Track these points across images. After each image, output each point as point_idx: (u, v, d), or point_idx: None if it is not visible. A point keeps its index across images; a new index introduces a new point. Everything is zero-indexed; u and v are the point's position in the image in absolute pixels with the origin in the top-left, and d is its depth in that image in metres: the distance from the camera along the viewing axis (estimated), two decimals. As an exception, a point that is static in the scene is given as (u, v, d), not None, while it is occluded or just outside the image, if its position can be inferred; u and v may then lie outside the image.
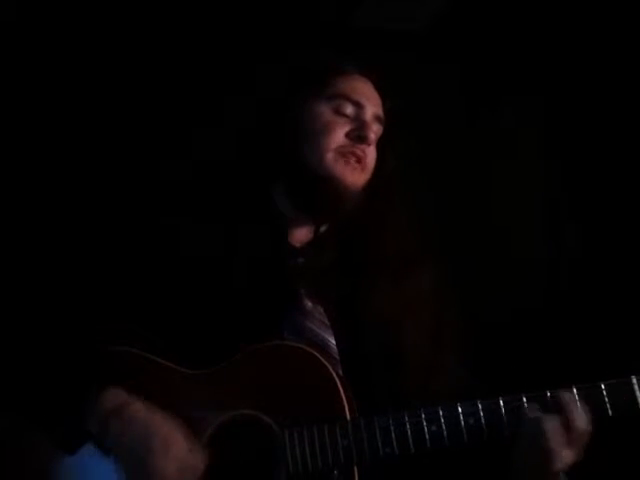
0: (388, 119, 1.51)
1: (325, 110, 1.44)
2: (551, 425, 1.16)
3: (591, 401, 1.20)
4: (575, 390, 1.21)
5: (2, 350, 1.28)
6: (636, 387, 1.20)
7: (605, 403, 1.19)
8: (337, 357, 1.33)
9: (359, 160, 1.42)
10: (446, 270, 1.53)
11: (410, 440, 1.18)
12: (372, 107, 1.47)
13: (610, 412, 1.19)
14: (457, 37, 2.36)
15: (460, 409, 1.20)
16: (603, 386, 1.20)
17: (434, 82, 2.33)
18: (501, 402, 1.21)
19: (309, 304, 1.38)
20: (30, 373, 1.27)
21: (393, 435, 1.18)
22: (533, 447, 1.17)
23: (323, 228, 1.49)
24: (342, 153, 1.41)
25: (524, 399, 1.21)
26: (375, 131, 1.46)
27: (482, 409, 1.20)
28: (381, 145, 1.50)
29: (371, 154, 1.46)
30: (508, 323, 2.19)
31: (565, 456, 1.17)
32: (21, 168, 2.07)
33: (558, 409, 1.18)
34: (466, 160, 2.32)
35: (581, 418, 1.17)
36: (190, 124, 2.18)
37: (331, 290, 1.41)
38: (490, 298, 2.20)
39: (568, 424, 1.17)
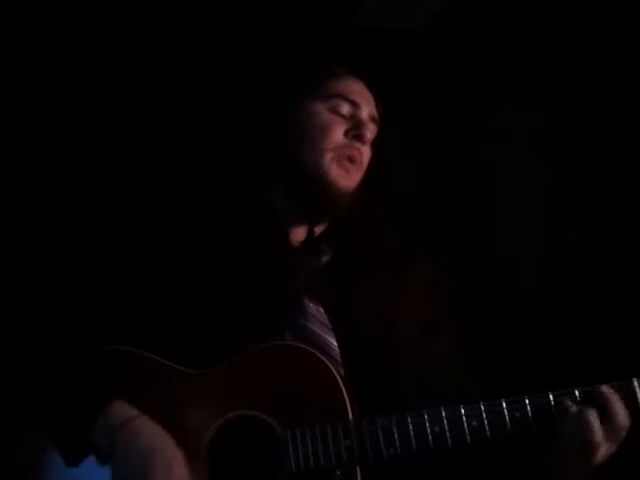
0: (381, 119, 1.53)
1: (321, 109, 1.45)
2: (594, 419, 1.17)
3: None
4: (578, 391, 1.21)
5: (8, 361, 1.28)
6: (637, 390, 1.21)
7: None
8: (338, 359, 1.34)
9: (354, 160, 1.43)
10: (446, 269, 1.53)
11: (413, 441, 1.19)
12: (367, 107, 1.48)
13: None
14: (458, 37, 2.36)
15: (463, 411, 1.20)
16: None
17: (435, 82, 2.33)
18: (504, 404, 1.21)
19: (310, 305, 1.38)
20: (32, 381, 1.26)
21: (396, 436, 1.19)
22: (576, 441, 1.18)
23: (319, 228, 1.49)
24: (339, 155, 1.42)
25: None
26: (371, 130, 1.48)
27: (485, 411, 1.20)
28: (375, 143, 1.51)
29: (366, 153, 1.48)
30: (508, 322, 2.19)
31: (605, 449, 1.18)
32: (21, 168, 2.06)
33: (598, 403, 1.19)
34: (467, 159, 2.32)
35: (621, 412, 1.18)
36: (189, 124, 2.18)
37: (331, 291, 1.41)
38: (490, 297, 2.20)
39: (608, 418, 1.18)
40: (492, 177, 2.34)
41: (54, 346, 1.28)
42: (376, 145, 1.51)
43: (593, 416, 1.17)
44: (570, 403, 1.20)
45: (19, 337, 1.29)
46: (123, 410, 1.21)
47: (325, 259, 1.45)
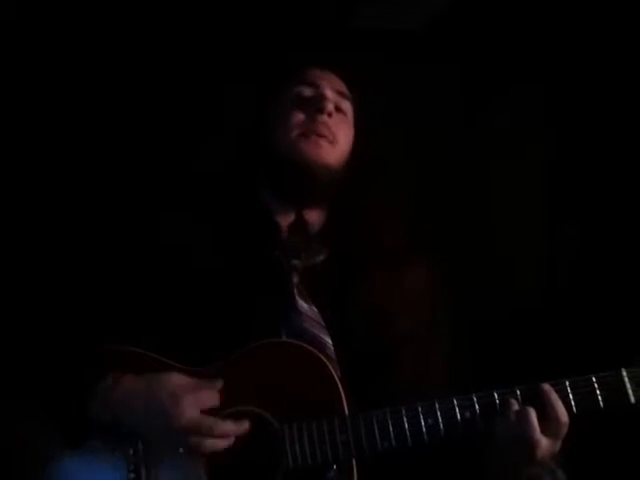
0: (361, 105, 1.54)
1: (285, 99, 1.48)
2: (532, 416, 1.19)
3: (582, 393, 1.22)
4: (567, 383, 1.23)
5: (7, 352, 1.29)
6: (626, 379, 1.22)
7: (597, 395, 1.21)
8: (334, 357, 1.34)
9: (322, 134, 1.43)
10: (443, 267, 1.53)
11: (407, 434, 1.20)
12: (329, 83, 1.49)
13: (602, 404, 1.21)
14: (456, 37, 2.36)
15: (456, 402, 1.21)
16: (594, 379, 1.22)
17: (433, 82, 2.33)
18: (495, 395, 1.22)
19: (304, 305, 1.38)
20: (32, 372, 1.28)
21: (391, 429, 1.20)
22: (515, 438, 1.19)
23: (310, 216, 1.48)
24: (306, 131, 1.43)
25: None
26: (337, 103, 1.48)
27: (477, 402, 1.22)
28: (361, 128, 1.52)
29: (339, 128, 1.47)
30: (505, 321, 2.20)
31: (546, 446, 1.19)
32: (20, 167, 2.07)
33: (536, 400, 1.21)
34: (465, 160, 2.32)
35: (560, 409, 1.20)
36: (184, 124, 2.18)
37: (326, 290, 1.41)
38: (487, 295, 2.21)
39: (547, 415, 1.20)
40: (489, 177, 2.35)
41: (55, 346, 1.29)
42: (359, 126, 1.52)
43: (532, 413, 1.19)
44: (512, 400, 1.22)
45: (22, 336, 1.30)
46: (115, 375, 1.24)
47: (320, 259, 1.45)
